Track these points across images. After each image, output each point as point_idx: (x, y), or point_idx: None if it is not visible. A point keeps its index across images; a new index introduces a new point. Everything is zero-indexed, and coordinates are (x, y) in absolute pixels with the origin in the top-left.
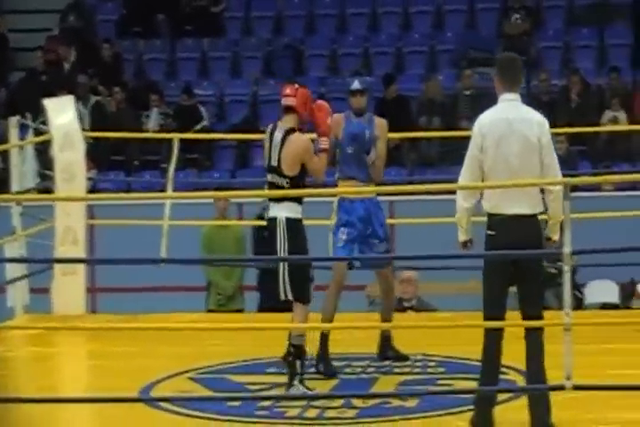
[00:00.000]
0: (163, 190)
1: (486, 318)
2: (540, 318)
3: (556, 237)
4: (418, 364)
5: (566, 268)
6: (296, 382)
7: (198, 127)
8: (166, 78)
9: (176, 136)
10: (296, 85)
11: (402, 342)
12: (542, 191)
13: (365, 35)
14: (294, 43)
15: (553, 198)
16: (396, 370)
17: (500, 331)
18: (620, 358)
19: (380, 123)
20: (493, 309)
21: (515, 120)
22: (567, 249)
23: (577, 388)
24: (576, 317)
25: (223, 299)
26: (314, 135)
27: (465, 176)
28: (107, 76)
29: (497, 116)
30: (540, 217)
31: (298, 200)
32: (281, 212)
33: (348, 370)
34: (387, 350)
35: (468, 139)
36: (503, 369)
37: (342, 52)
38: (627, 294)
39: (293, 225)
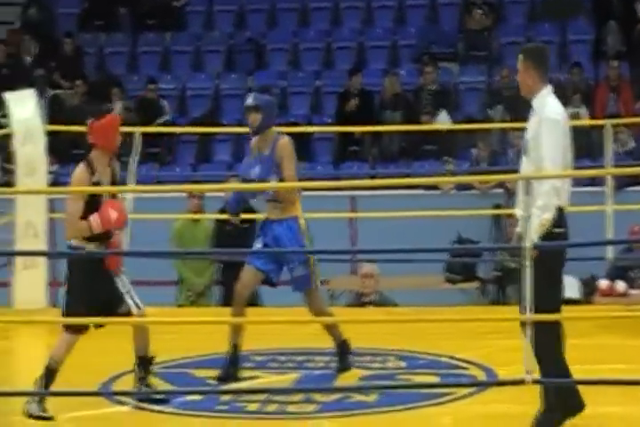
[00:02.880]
0: (123, 184)
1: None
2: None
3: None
4: (378, 359)
5: (527, 263)
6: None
7: (160, 121)
8: (128, 72)
9: (138, 130)
10: (89, 122)
11: (362, 337)
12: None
13: (327, 29)
14: (256, 37)
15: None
16: (357, 364)
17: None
18: (581, 353)
19: (283, 143)
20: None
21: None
22: (528, 244)
23: (537, 382)
24: None
25: (193, 295)
26: None
27: (558, 164)
28: (68, 70)
29: (562, 108)
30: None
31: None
32: None
33: (309, 365)
34: (347, 363)
35: (429, 134)
36: (464, 364)
37: (304, 47)
38: (588, 290)
39: None
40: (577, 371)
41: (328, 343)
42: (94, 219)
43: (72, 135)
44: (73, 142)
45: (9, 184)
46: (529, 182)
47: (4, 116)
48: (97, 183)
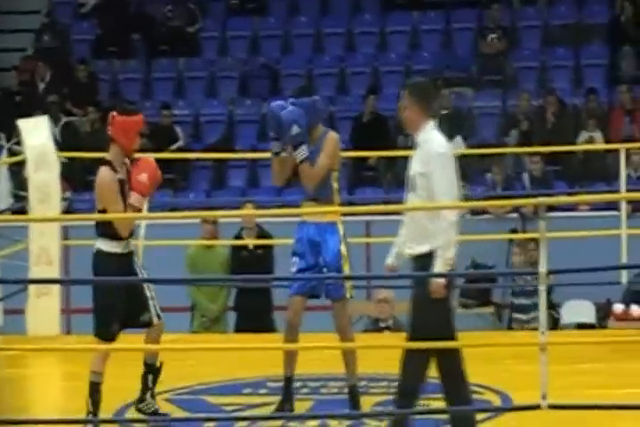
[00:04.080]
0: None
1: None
2: None
3: None
4: (394, 384)
5: (542, 287)
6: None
7: (174, 147)
8: (142, 98)
9: (151, 156)
10: (113, 113)
11: (379, 362)
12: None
13: (341, 55)
14: (270, 62)
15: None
16: (372, 391)
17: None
18: (596, 378)
19: (328, 138)
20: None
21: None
22: (543, 269)
23: (552, 407)
24: (552, 336)
25: (207, 321)
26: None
27: (453, 198)
28: (81, 96)
29: (445, 140)
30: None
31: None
32: None
33: (323, 391)
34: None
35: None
36: (479, 389)
37: (318, 73)
38: (603, 314)
39: None
40: (592, 396)
41: (340, 369)
42: (133, 196)
43: (86, 162)
44: (86, 169)
45: (22, 211)
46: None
47: (18, 143)
48: (121, 180)
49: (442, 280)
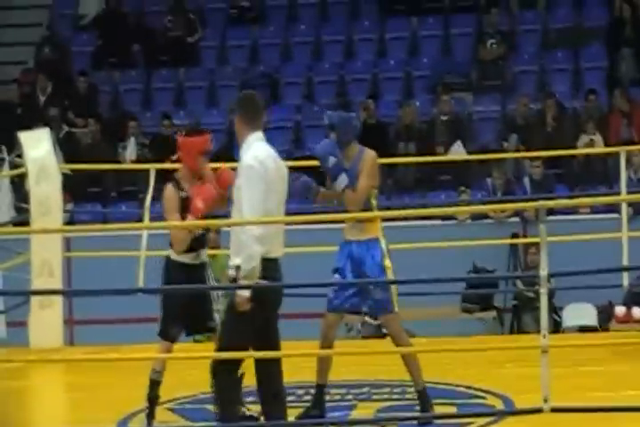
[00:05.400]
0: (140, 221)
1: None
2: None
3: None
4: (397, 390)
5: (543, 291)
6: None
7: (175, 157)
8: (142, 109)
9: (152, 167)
10: (180, 134)
11: (381, 368)
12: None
13: (341, 62)
14: (270, 71)
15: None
16: (375, 397)
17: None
18: (597, 380)
19: (365, 157)
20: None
21: (276, 159)
22: (544, 272)
23: (555, 410)
24: (553, 339)
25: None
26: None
27: (257, 211)
28: (82, 108)
29: (268, 152)
30: None
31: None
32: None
33: (327, 398)
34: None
35: (443, 164)
36: (481, 393)
37: (318, 80)
38: (604, 317)
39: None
40: (594, 398)
41: (342, 376)
42: (189, 217)
43: (87, 173)
44: (88, 180)
45: (24, 224)
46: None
47: (19, 155)
48: (185, 199)
49: (246, 293)
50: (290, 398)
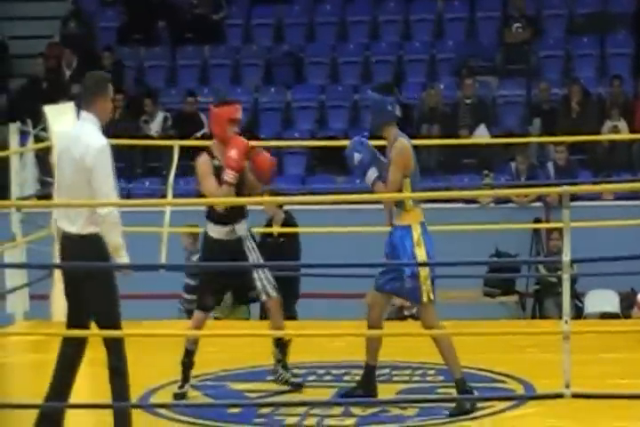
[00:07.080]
0: (163, 197)
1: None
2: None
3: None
4: (417, 372)
5: (565, 276)
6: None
7: (199, 134)
8: (167, 85)
9: (176, 143)
10: (211, 106)
11: (402, 350)
12: None
13: (366, 43)
14: (294, 50)
15: (101, 222)
16: (395, 378)
17: None
18: (619, 367)
19: (395, 147)
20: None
21: (73, 138)
22: (567, 258)
23: (575, 396)
24: (575, 325)
25: (229, 307)
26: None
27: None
28: None
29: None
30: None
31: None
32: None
33: (347, 378)
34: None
35: (467, 147)
36: (501, 377)
37: (342, 61)
38: (627, 304)
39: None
40: (615, 385)
41: (363, 357)
42: (225, 172)
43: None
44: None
45: (48, 197)
46: None
47: (44, 129)
48: (219, 167)
49: None
50: (311, 378)
